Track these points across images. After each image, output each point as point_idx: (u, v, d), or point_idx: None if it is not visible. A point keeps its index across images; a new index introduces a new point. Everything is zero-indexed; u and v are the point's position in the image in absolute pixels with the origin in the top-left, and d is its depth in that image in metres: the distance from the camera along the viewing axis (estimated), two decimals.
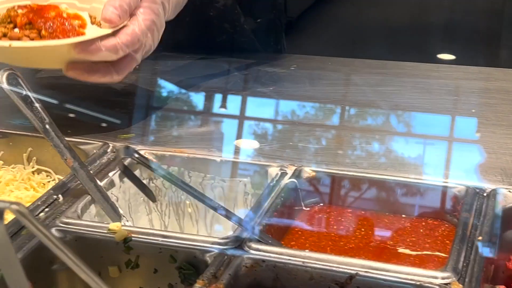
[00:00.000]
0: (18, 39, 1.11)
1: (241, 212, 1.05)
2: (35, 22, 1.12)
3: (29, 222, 0.55)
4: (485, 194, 0.98)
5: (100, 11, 1.14)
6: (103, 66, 1.14)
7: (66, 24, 1.13)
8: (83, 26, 1.16)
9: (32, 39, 1.11)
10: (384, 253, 0.94)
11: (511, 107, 1.23)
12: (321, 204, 1.04)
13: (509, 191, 0.97)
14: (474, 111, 1.23)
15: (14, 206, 0.53)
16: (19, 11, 1.14)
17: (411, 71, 1.42)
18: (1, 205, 0.51)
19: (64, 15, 1.15)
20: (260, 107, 1.31)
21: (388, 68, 1.44)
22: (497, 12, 2.84)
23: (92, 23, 1.18)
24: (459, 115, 1.24)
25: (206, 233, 1.09)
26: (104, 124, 1.22)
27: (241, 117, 1.28)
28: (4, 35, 1.12)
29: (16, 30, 1.12)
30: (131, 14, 1.15)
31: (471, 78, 1.38)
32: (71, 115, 1.25)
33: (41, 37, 1.11)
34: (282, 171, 1.04)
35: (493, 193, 0.97)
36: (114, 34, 1.12)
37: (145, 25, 1.14)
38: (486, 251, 0.88)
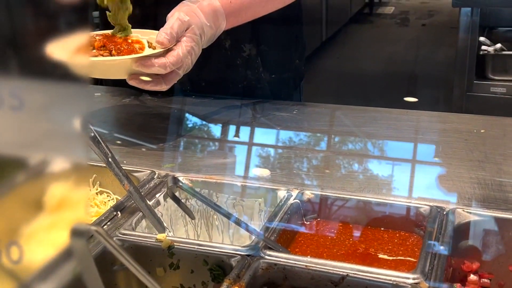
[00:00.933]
0: (95, 57, 1.18)
1: (257, 225, 1.06)
2: (107, 45, 1.20)
3: (104, 239, 0.57)
4: (444, 213, 0.99)
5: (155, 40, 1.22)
6: (156, 77, 1.20)
7: (130, 46, 1.21)
8: (142, 48, 1.24)
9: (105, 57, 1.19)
10: (368, 258, 0.95)
11: (463, 144, 1.24)
12: (318, 219, 1.05)
13: (463, 211, 0.98)
14: (435, 147, 1.24)
15: (93, 228, 0.55)
16: (97, 37, 1.23)
17: (385, 115, 1.41)
18: (85, 227, 0.52)
19: (129, 40, 1.24)
20: (272, 142, 1.32)
21: (367, 112, 1.44)
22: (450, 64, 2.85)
23: (149, 47, 1.24)
24: (425, 150, 1.25)
25: (229, 241, 1.10)
26: (150, 155, 1.23)
27: (257, 151, 1.29)
28: None
29: (94, 51, 1.20)
30: (177, 40, 1.21)
31: (433, 121, 1.38)
32: (125, 148, 1.27)
33: (111, 55, 1.19)
34: (288, 193, 1.05)
35: (451, 212, 0.98)
36: (164, 55, 1.18)
37: (186, 50, 1.20)
38: (446, 257, 0.89)
